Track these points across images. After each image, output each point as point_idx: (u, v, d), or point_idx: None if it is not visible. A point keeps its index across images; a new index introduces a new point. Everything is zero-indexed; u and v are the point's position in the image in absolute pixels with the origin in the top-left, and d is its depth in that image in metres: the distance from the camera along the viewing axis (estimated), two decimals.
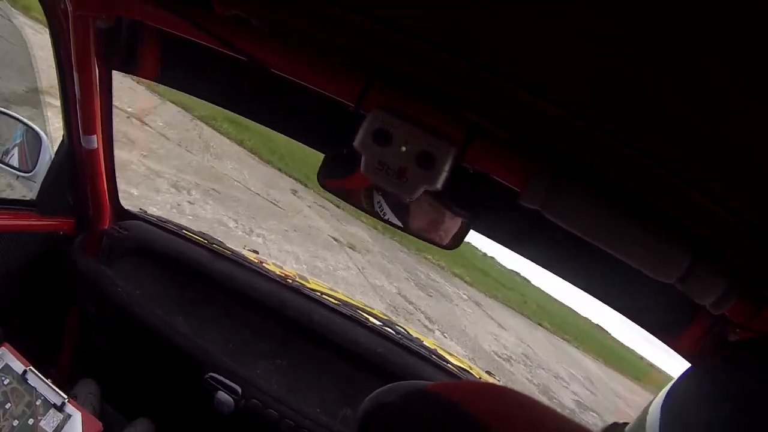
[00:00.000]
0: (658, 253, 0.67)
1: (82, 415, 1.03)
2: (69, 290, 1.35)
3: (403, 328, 1.47)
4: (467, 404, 0.33)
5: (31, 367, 1.02)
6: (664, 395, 0.55)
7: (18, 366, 1.02)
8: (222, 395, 1.18)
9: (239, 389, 1.19)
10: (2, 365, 1.02)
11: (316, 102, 0.84)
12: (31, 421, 0.99)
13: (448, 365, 1.37)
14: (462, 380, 1.26)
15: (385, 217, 0.88)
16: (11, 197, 1.40)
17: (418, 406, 0.36)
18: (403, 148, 0.70)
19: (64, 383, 1.39)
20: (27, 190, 1.35)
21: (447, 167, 0.71)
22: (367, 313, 1.46)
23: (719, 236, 0.64)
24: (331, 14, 0.62)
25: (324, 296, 1.44)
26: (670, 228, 0.66)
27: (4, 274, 1.22)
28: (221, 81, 1.01)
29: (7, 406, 0.98)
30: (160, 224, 1.47)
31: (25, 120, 1.36)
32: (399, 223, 0.88)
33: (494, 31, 0.51)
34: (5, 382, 0.99)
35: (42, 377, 1.03)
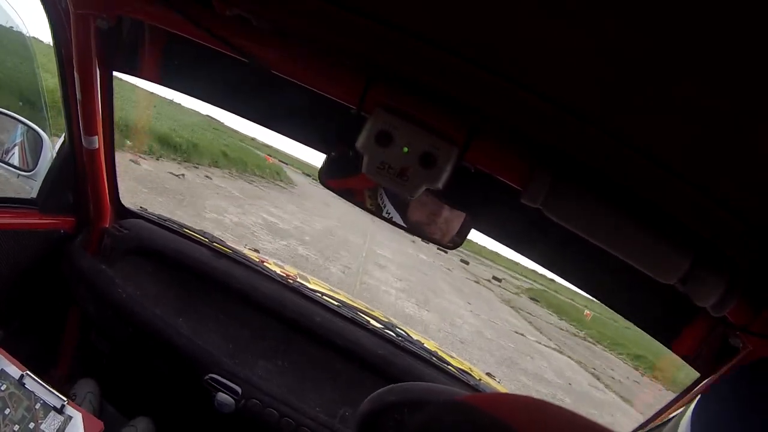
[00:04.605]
0: (658, 254, 0.67)
1: (82, 416, 1.02)
2: (69, 290, 1.35)
3: (404, 331, 1.47)
4: (508, 419, 0.32)
5: (28, 372, 1.01)
6: (691, 412, 0.55)
7: (14, 371, 1.00)
8: (222, 396, 1.18)
9: (239, 389, 1.19)
10: None
11: (316, 102, 0.84)
12: (32, 425, 0.97)
13: (449, 367, 1.36)
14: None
15: (389, 217, 0.88)
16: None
17: (457, 419, 0.35)
18: (405, 149, 0.70)
19: (64, 383, 1.40)
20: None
21: (448, 167, 0.71)
22: (368, 315, 1.46)
23: (720, 236, 0.64)
24: (332, 14, 0.62)
25: (325, 297, 1.44)
26: (671, 230, 0.67)
27: (5, 272, 1.22)
28: (221, 82, 1.01)
29: (6, 412, 0.96)
30: (161, 223, 1.47)
31: (26, 120, 1.36)
32: (402, 223, 0.88)
33: (495, 32, 0.51)
34: (2, 388, 0.97)
35: (39, 380, 1.01)
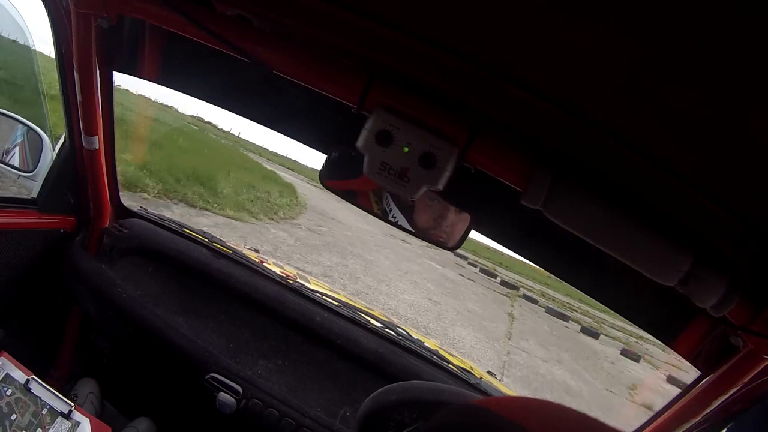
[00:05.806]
0: (658, 256, 0.67)
1: (90, 422, 1.02)
2: (69, 289, 1.35)
3: (404, 330, 1.47)
4: (522, 421, 0.32)
5: (34, 376, 0.99)
6: None
7: (20, 375, 0.99)
8: (224, 396, 1.18)
9: (240, 389, 1.19)
10: (3, 375, 0.99)
11: (317, 102, 0.84)
12: (39, 431, 0.97)
13: (450, 366, 1.36)
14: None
15: (394, 221, 0.88)
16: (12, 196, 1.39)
17: (471, 422, 0.35)
18: (406, 149, 0.70)
19: (64, 382, 1.40)
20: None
21: (449, 167, 0.71)
22: (368, 315, 1.46)
23: (720, 237, 0.64)
24: (333, 14, 0.62)
25: (324, 297, 1.44)
26: (671, 231, 0.67)
27: (5, 271, 1.22)
28: (222, 82, 1.01)
29: (12, 417, 0.95)
30: (161, 222, 1.47)
31: (26, 121, 1.36)
32: (408, 227, 0.88)
33: (494, 32, 0.51)
34: (8, 393, 0.97)
35: (45, 385, 1.00)
